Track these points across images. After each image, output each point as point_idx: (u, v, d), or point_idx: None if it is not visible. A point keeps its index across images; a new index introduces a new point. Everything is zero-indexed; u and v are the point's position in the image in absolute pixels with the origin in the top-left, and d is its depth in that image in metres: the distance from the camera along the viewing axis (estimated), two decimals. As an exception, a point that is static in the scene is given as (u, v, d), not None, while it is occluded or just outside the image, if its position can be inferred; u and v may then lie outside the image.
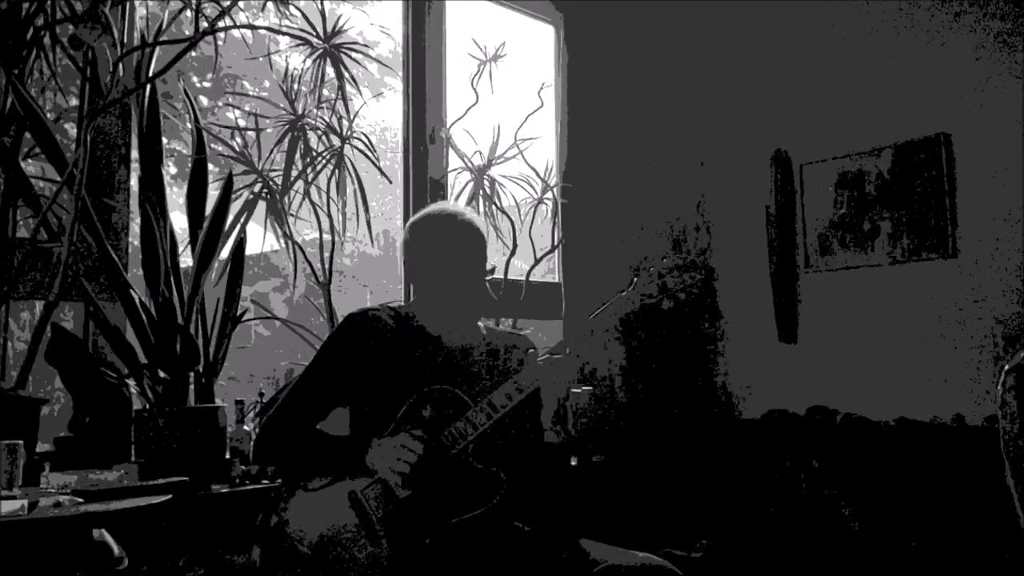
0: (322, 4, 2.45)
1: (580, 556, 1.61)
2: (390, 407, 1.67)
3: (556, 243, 3.01)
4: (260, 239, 2.50)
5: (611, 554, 1.60)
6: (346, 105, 2.50)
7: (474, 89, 2.84)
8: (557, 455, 1.84)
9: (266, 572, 1.61)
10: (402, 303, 1.96)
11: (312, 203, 2.49)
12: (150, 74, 2.11)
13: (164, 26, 2.15)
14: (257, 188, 2.46)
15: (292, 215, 2.47)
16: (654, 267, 1.71)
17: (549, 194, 2.98)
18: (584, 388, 1.93)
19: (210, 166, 2.25)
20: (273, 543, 1.60)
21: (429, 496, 1.60)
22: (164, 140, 2.19)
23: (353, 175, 2.51)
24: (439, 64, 2.92)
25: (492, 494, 1.62)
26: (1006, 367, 1.68)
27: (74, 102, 2.18)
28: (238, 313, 2.24)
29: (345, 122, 2.50)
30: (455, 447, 1.62)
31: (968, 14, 2.75)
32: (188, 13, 2.11)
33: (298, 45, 2.47)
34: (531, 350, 1.82)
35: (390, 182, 2.67)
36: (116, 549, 1.58)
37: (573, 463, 2.66)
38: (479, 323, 1.93)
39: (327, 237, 2.51)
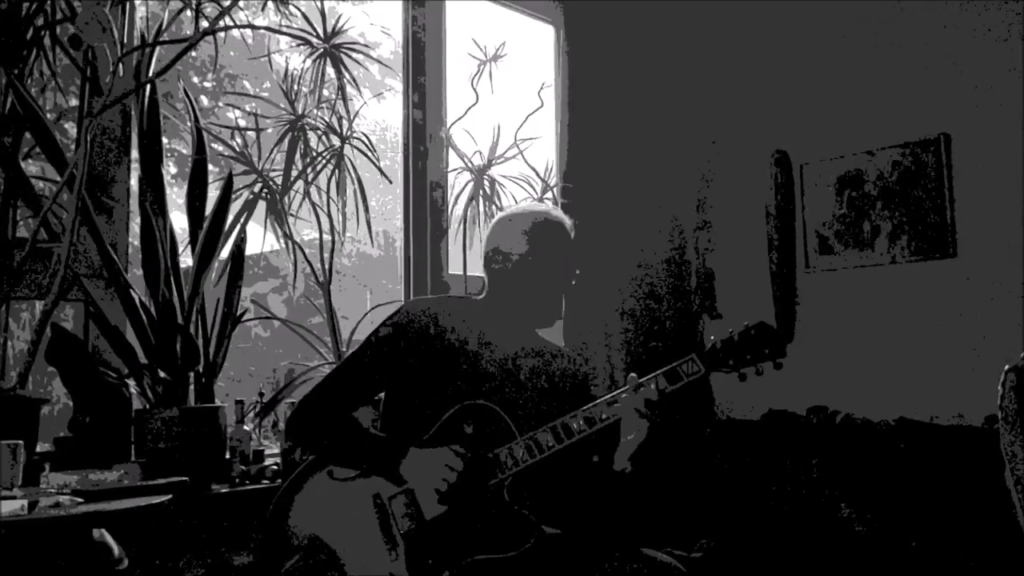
0: (322, 4, 2.45)
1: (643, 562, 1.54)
2: (431, 411, 1.60)
3: (556, 243, 3.01)
4: (260, 239, 2.50)
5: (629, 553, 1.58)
6: (346, 105, 2.49)
7: (474, 89, 2.83)
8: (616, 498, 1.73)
9: (265, 560, 1.57)
10: (468, 296, 1.88)
11: (312, 203, 2.48)
12: (150, 74, 2.11)
13: (164, 26, 2.15)
14: (257, 188, 2.45)
15: (292, 215, 2.47)
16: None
17: (549, 194, 2.98)
18: None
19: (210, 166, 2.25)
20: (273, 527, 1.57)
21: (457, 524, 1.53)
22: (164, 140, 2.19)
23: (353, 175, 2.51)
24: (439, 64, 2.92)
25: (522, 541, 1.53)
26: (1006, 367, 1.69)
27: (74, 102, 2.17)
28: (238, 313, 2.24)
29: (345, 122, 2.50)
30: (493, 477, 1.54)
31: (968, 13, 2.75)
32: (188, 13, 2.11)
33: (298, 45, 2.47)
34: (580, 377, 1.75)
35: (390, 182, 2.67)
36: (116, 549, 1.58)
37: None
38: (544, 338, 1.85)
39: (327, 237, 2.51)
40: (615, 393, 1.60)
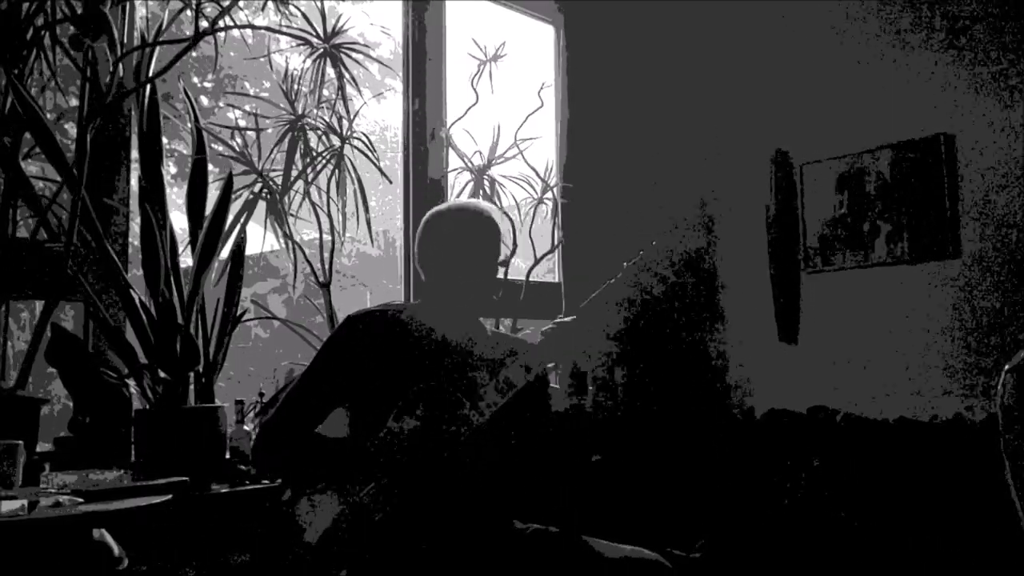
0: (322, 4, 2.45)
1: (586, 554, 1.60)
2: (387, 408, 1.65)
3: (556, 243, 3.01)
4: (260, 239, 2.50)
5: (602, 548, 1.61)
6: (346, 105, 2.50)
7: (474, 89, 2.84)
8: (567, 452, 1.81)
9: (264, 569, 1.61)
10: (406, 303, 1.95)
11: (312, 203, 2.49)
12: (150, 74, 2.11)
13: (164, 26, 2.15)
14: (257, 188, 2.46)
15: (292, 215, 2.47)
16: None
17: (549, 194, 2.99)
18: (553, 387, 1.90)
19: (210, 166, 2.24)
20: (272, 543, 1.60)
21: (424, 498, 1.58)
22: (164, 140, 2.19)
23: (353, 175, 2.51)
24: (439, 64, 2.92)
25: (487, 495, 1.60)
26: (1006, 367, 1.68)
27: (74, 102, 2.18)
28: (238, 313, 2.24)
29: (345, 122, 2.50)
30: (448, 447, 1.59)
31: (969, 13, 2.75)
32: (188, 13, 2.12)
33: (298, 45, 2.47)
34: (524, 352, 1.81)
35: (390, 182, 2.67)
36: (116, 549, 1.58)
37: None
38: (486, 325, 1.92)
39: (327, 237, 2.51)
40: (544, 339, 1.66)
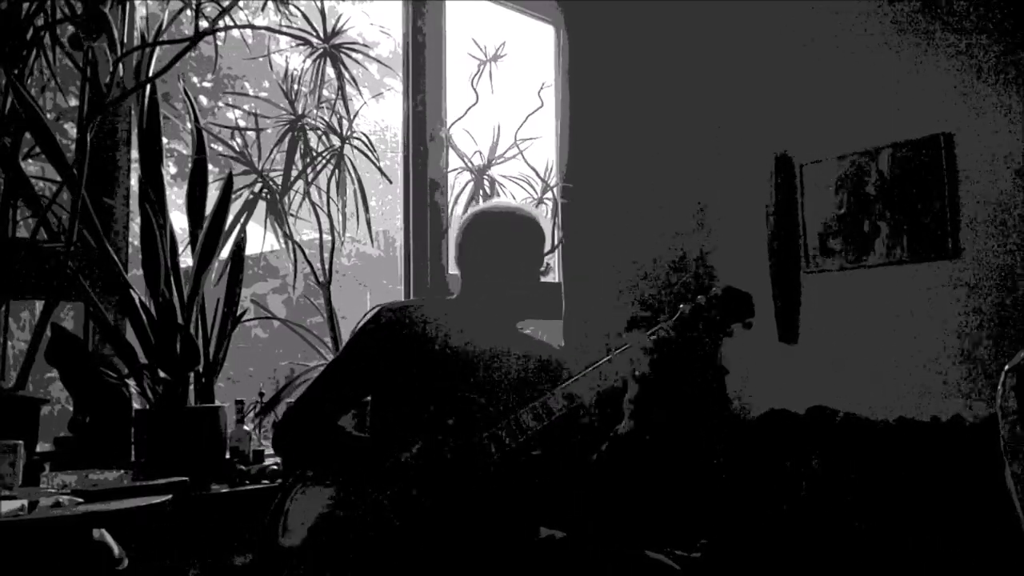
0: (322, 4, 2.45)
1: (594, 557, 1.56)
2: (414, 410, 1.61)
3: (556, 243, 3.01)
4: (260, 239, 2.50)
5: (610, 552, 1.60)
6: (346, 105, 2.50)
7: (474, 89, 2.84)
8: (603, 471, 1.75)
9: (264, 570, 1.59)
10: (441, 299, 1.92)
11: (312, 203, 2.49)
12: (150, 74, 2.11)
13: (164, 26, 2.15)
14: (257, 188, 2.46)
15: (292, 215, 2.47)
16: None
17: (549, 194, 2.99)
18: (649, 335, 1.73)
19: (210, 166, 2.24)
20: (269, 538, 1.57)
21: (449, 510, 1.55)
22: (164, 140, 2.19)
23: (353, 175, 2.51)
24: (439, 64, 2.92)
25: (512, 513, 1.57)
26: (1006, 367, 1.69)
27: (74, 102, 2.18)
28: (238, 313, 2.24)
29: (345, 122, 2.50)
30: (477, 461, 1.55)
31: (969, 13, 2.75)
32: (188, 13, 2.12)
33: (298, 45, 2.47)
34: (564, 371, 1.75)
35: (390, 182, 2.67)
36: (116, 549, 1.58)
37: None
38: (519, 327, 1.86)
39: (327, 237, 2.51)
40: (588, 370, 1.61)
